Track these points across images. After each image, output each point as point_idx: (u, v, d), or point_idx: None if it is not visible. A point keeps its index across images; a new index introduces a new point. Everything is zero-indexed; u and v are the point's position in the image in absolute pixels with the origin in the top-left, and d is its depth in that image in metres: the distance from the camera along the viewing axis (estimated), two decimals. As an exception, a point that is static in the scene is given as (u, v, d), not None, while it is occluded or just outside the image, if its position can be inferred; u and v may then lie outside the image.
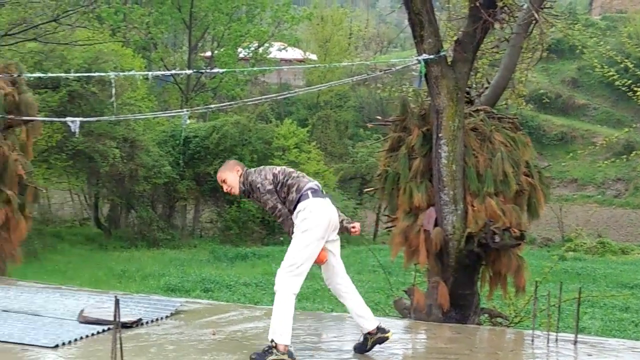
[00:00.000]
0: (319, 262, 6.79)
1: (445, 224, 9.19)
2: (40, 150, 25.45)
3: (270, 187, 6.83)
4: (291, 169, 7.06)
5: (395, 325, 8.60)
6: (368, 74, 13.34)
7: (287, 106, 50.08)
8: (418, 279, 10.32)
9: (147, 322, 8.12)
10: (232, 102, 23.89)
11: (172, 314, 8.57)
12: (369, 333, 6.97)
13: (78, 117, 11.76)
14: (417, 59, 9.27)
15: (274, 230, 35.45)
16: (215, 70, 17.46)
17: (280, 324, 6.47)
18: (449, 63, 9.36)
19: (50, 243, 28.53)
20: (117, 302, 6.35)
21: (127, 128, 30.08)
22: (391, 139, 9.98)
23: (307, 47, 52.64)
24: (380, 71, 12.04)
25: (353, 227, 7.16)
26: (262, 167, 7.13)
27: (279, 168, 7.03)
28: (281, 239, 34.16)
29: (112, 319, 6.70)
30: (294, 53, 50.38)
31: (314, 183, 6.87)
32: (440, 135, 9.19)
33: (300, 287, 6.63)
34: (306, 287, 20.60)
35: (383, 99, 46.85)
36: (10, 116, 11.60)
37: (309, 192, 6.75)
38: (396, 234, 9.58)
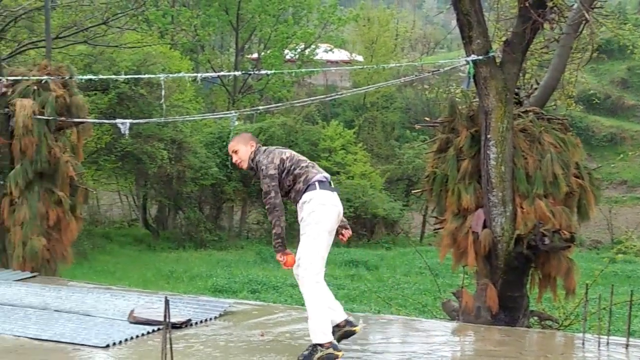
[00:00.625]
0: (287, 266, 6.76)
1: (494, 225, 9.14)
2: (90, 151, 25.74)
3: (273, 172, 6.72)
4: (301, 157, 6.93)
5: (443, 328, 8.57)
6: (416, 75, 13.27)
7: (334, 107, 50.03)
8: (466, 281, 10.26)
9: (196, 323, 8.16)
10: (280, 104, 23.97)
11: (220, 315, 8.61)
12: (337, 325, 6.82)
13: (127, 119, 11.89)
14: (465, 60, 9.23)
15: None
16: (263, 71, 17.51)
17: (320, 324, 6.46)
18: (498, 64, 9.31)
19: (100, 244, 28.84)
20: (167, 302, 6.40)
21: (175, 130, 30.31)
22: (439, 140, 9.96)
23: (354, 49, 52.58)
24: (428, 72, 11.99)
25: (342, 234, 7.06)
26: (273, 147, 7.02)
27: (288, 153, 6.90)
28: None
29: (162, 319, 6.76)
30: (340, 54, 50.34)
31: (322, 175, 6.78)
32: (489, 136, 9.14)
33: (322, 275, 6.59)
34: (353, 288, 20.65)
35: (430, 100, 46.71)
36: (61, 118, 11.76)
37: (317, 183, 6.67)
38: (444, 236, 9.56)
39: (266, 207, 6.72)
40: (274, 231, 6.68)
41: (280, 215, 6.66)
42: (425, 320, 10.26)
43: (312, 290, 6.51)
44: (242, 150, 6.99)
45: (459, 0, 9.07)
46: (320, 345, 6.43)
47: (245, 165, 7.00)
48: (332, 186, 6.81)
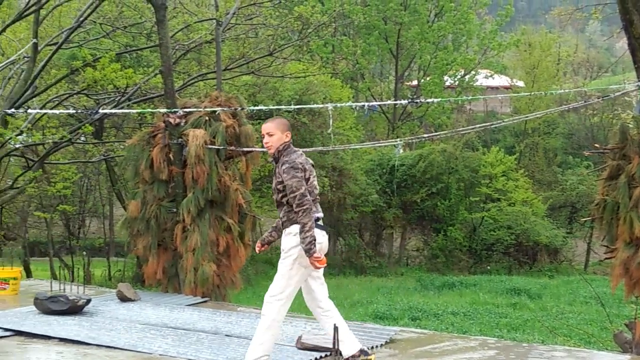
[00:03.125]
0: (322, 264, 6.67)
1: (669, 255, 8.86)
2: (254, 179, 26.35)
3: (301, 175, 6.67)
4: (315, 188, 6.91)
5: (615, 360, 8.34)
6: (584, 102, 13.02)
7: (494, 134, 49.46)
8: (639, 312, 9.94)
9: (363, 350, 8.21)
10: (442, 132, 23.97)
11: (386, 342, 8.64)
12: (352, 356, 6.86)
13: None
14: (637, 85, 9.02)
15: (481, 259, 35.07)
16: (428, 100, 17.50)
17: (260, 348, 6.77)
18: (672, 88, 9.06)
19: (263, 269, 29.43)
20: (335, 329, 6.52)
21: (335, 157, 30.72)
22: (609, 167, 9.75)
23: (514, 74, 51.87)
24: (598, 98, 11.74)
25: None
26: (306, 159, 6.91)
27: (312, 177, 6.87)
28: (488, 267, 33.74)
29: (330, 345, 6.88)
30: (501, 80, 49.85)
31: (319, 214, 6.84)
32: (662, 163, 8.89)
33: (285, 313, 6.90)
34: (515, 317, 20.28)
35: (593, 125, 45.50)
36: (231, 147, 12.11)
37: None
38: (616, 265, 9.34)
39: (303, 207, 6.59)
40: (310, 233, 6.52)
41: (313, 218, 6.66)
42: (595, 351, 9.99)
43: (270, 319, 6.78)
44: (277, 136, 6.86)
45: (631, 24, 8.88)
46: None
47: (272, 152, 6.90)
48: (323, 225, 6.89)
